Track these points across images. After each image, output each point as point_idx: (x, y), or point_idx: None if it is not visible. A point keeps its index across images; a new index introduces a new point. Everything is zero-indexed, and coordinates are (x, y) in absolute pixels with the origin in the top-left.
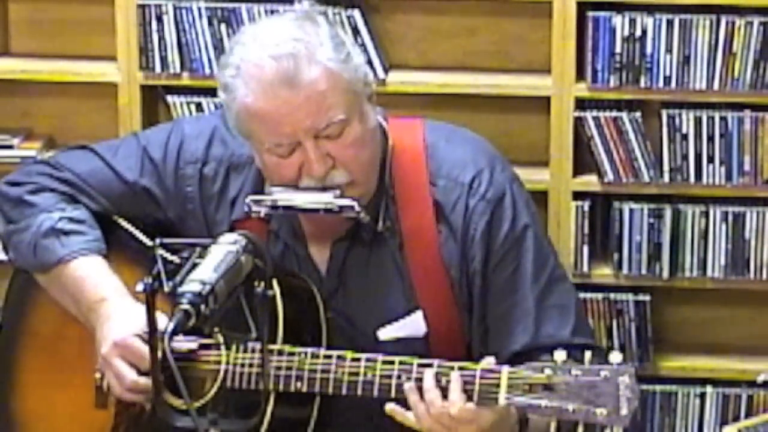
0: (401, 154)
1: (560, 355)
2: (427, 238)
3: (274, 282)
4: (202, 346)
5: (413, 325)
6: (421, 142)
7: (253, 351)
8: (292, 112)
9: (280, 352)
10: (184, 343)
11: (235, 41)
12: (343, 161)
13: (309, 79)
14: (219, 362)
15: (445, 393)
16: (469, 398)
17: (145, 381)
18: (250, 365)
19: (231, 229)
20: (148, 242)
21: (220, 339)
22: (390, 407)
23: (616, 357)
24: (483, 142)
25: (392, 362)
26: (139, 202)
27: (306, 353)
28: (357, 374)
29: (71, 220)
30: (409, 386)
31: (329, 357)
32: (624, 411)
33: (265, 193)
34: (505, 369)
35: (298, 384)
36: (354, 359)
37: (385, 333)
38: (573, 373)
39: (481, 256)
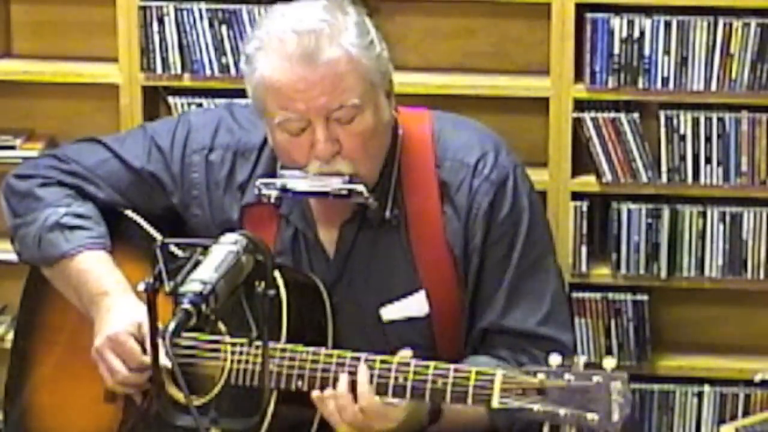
0: (410, 142)
1: (554, 359)
2: (432, 220)
3: (280, 281)
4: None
5: (416, 305)
6: (429, 129)
7: (257, 349)
8: (307, 89)
9: (283, 351)
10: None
11: (264, 17)
12: (349, 150)
13: (328, 58)
14: (225, 360)
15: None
16: (378, 391)
17: (135, 377)
18: (254, 363)
19: (241, 215)
20: (157, 235)
21: (226, 337)
22: (315, 394)
23: (609, 363)
24: (489, 129)
25: (389, 362)
26: (147, 190)
27: (307, 352)
28: (356, 374)
29: (76, 215)
30: (317, 395)
31: (330, 356)
32: (615, 417)
33: (276, 178)
34: (500, 372)
35: (299, 382)
36: (353, 358)
37: (388, 313)
38: (566, 378)
39: (480, 235)
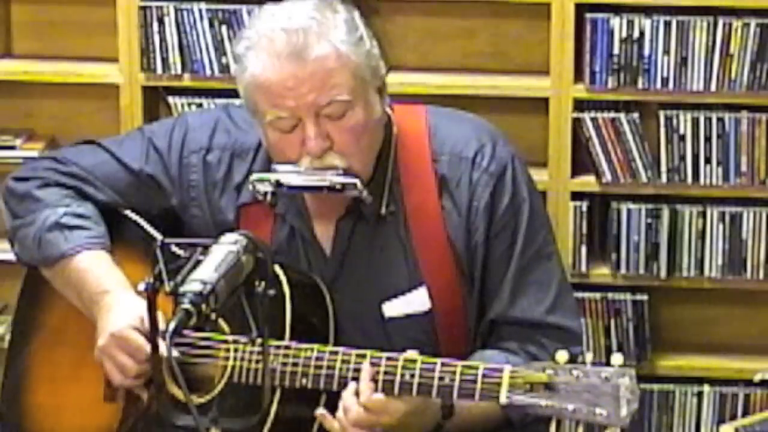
0: (405, 138)
1: (562, 355)
2: (431, 215)
3: (283, 279)
4: (208, 342)
5: (417, 300)
6: (424, 124)
7: (260, 348)
8: (297, 86)
9: (287, 349)
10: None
11: (255, 16)
12: (340, 145)
13: (316, 54)
14: (227, 358)
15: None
16: (384, 388)
17: (146, 369)
18: (258, 362)
19: (237, 215)
20: (157, 234)
21: (229, 336)
22: (319, 412)
23: (617, 359)
24: (484, 121)
25: (395, 359)
26: (145, 191)
27: (312, 350)
28: (360, 371)
29: (75, 215)
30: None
31: (335, 353)
32: (623, 412)
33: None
34: (507, 368)
35: (304, 380)
36: (358, 356)
37: (390, 309)
38: (574, 373)
39: (483, 228)
